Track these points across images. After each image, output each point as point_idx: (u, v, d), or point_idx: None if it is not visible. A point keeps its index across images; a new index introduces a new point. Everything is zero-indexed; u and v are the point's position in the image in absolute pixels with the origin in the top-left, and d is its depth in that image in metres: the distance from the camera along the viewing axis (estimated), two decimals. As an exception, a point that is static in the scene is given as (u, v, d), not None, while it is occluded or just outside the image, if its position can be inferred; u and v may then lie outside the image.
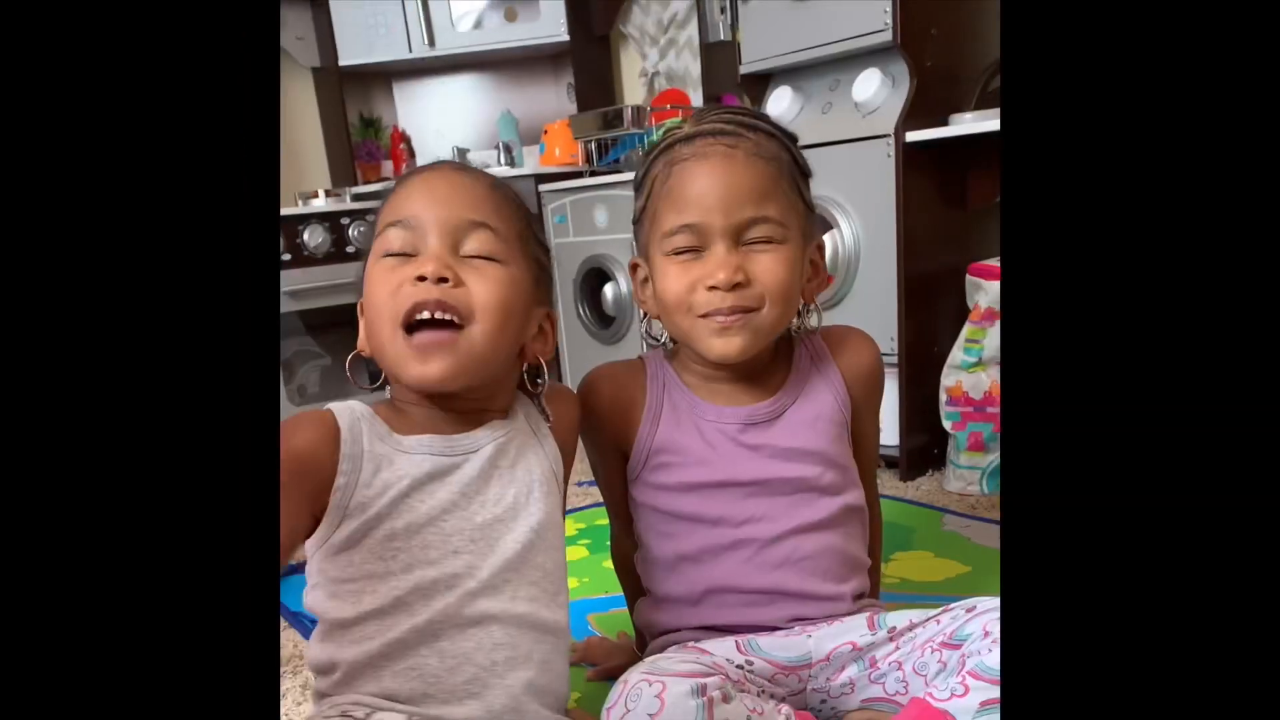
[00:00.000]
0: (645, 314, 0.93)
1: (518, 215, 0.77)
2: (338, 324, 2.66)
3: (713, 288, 0.81)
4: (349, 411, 0.73)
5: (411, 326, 0.71)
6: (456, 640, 0.72)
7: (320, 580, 0.73)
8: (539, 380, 0.82)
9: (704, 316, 0.83)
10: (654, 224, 0.84)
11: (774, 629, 0.90)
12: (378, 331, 0.73)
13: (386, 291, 0.71)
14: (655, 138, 0.91)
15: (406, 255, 0.72)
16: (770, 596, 0.89)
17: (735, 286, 0.81)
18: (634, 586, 1.02)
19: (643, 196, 0.86)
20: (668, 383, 0.92)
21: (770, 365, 0.93)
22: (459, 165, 0.78)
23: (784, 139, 0.86)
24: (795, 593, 0.89)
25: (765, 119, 0.86)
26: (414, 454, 0.74)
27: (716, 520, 0.89)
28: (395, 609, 0.71)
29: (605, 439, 0.94)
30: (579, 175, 2.57)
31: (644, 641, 1.00)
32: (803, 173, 0.86)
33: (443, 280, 0.71)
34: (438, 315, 0.71)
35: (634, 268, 0.92)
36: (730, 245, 0.81)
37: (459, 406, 0.77)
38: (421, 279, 0.70)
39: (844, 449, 0.93)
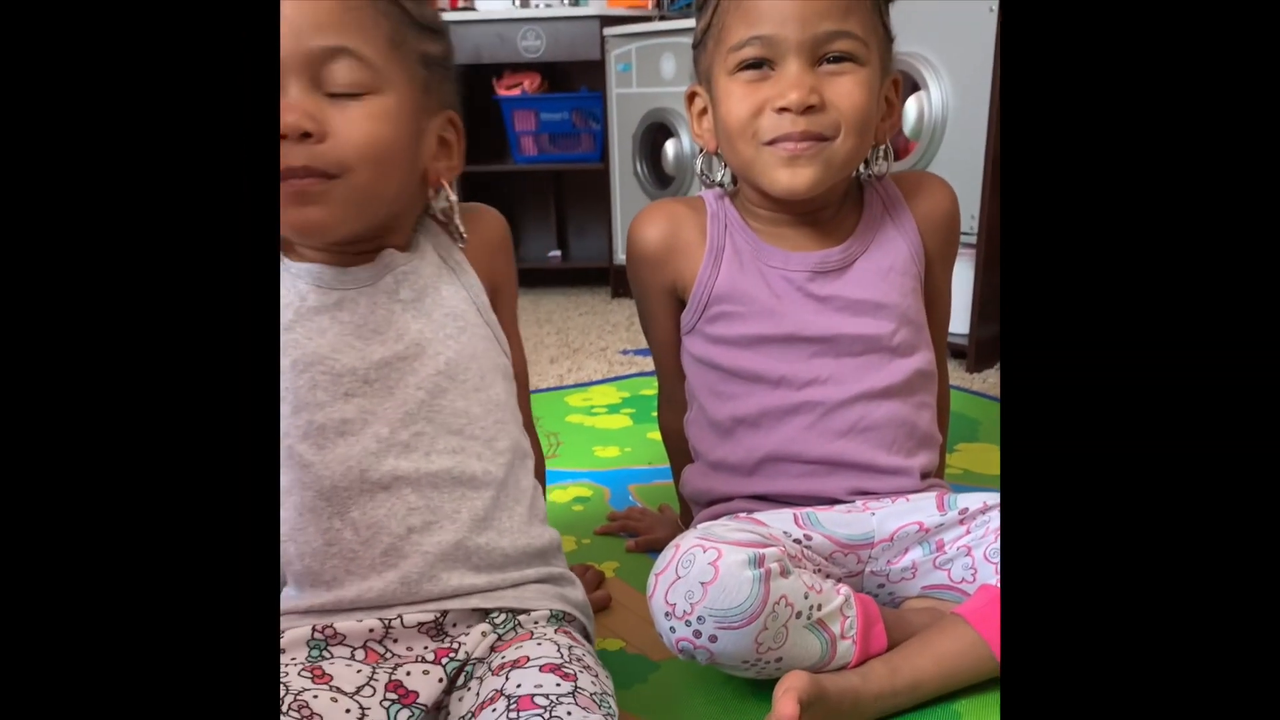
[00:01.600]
0: (702, 149, 0.84)
1: (383, 15, 0.63)
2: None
3: (783, 109, 0.74)
4: None
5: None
6: (366, 509, 0.65)
7: None
8: (446, 204, 0.70)
9: (771, 144, 0.75)
10: (718, 41, 0.77)
11: (834, 502, 0.83)
12: None
13: None
14: None
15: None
16: (832, 467, 0.83)
17: (808, 110, 0.74)
18: (682, 454, 0.95)
19: (706, 13, 0.78)
20: (730, 223, 0.84)
21: (840, 209, 0.85)
22: None
23: None
24: (859, 464, 0.82)
25: None
26: (299, 280, 0.66)
27: (779, 380, 0.82)
28: (290, 461, 0.64)
29: (658, 282, 0.86)
30: (647, 19, 2.39)
31: (690, 515, 0.93)
32: None
33: (306, 136, 0.59)
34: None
35: (691, 97, 0.83)
36: (805, 64, 0.74)
37: (350, 248, 0.67)
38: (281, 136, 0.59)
39: (917, 304, 0.85)
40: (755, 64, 0.75)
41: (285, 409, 0.64)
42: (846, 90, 0.75)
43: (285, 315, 0.65)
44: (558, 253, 2.84)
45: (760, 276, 0.82)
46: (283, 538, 0.65)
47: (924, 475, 0.85)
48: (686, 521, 0.97)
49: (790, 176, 0.76)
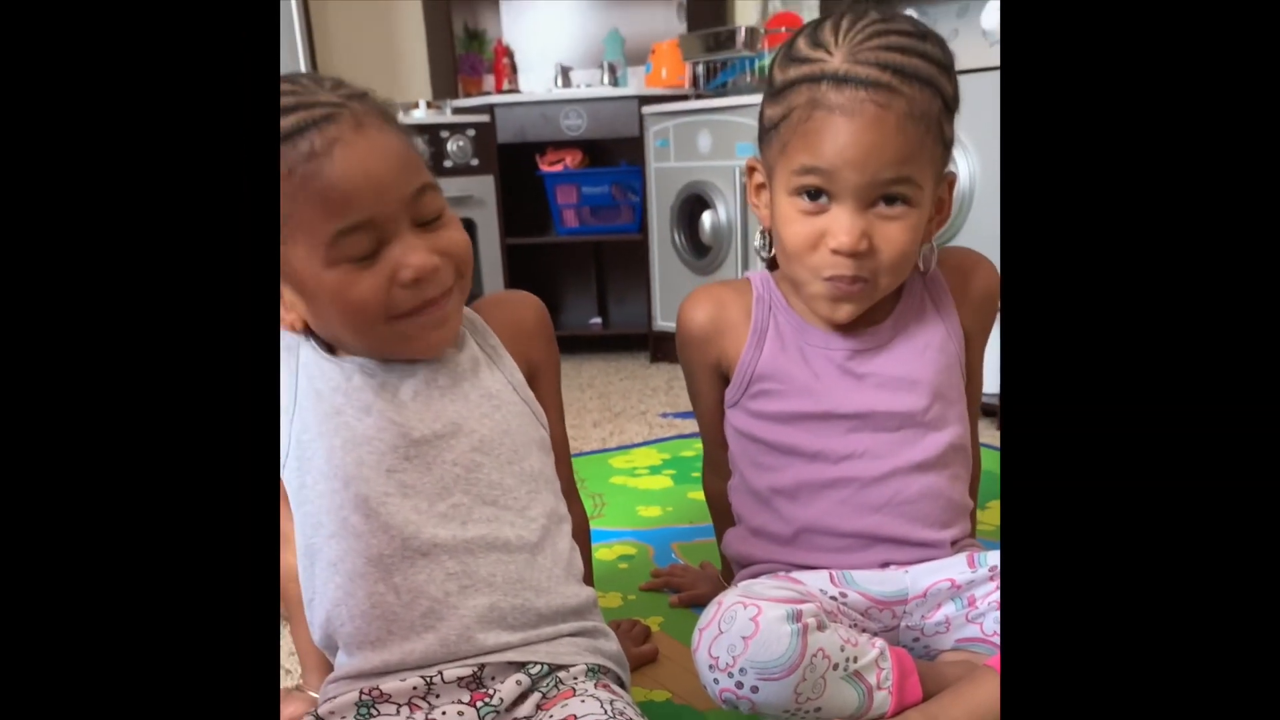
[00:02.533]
0: (760, 220, 0.88)
1: (421, 159, 0.73)
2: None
3: (835, 251, 0.78)
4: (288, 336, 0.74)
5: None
6: (408, 574, 0.70)
7: (292, 503, 0.74)
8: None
9: (826, 280, 0.80)
10: (783, 152, 0.79)
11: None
12: (350, 326, 0.70)
13: (369, 296, 0.67)
14: (769, 61, 0.83)
15: (369, 254, 0.67)
16: (866, 541, 0.86)
17: (856, 254, 0.77)
18: (724, 517, 0.99)
19: (777, 110, 0.79)
20: (774, 305, 0.88)
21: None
22: (366, 119, 0.67)
23: (941, 76, 0.77)
24: (893, 538, 0.85)
25: (928, 55, 0.76)
26: (350, 369, 0.73)
27: (815, 454, 0.85)
28: (344, 531, 0.70)
29: (704, 360, 0.90)
30: (684, 98, 2.50)
31: (731, 571, 0.97)
32: (949, 110, 0.79)
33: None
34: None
35: (752, 169, 0.87)
36: (859, 207, 0.77)
37: None
38: (415, 281, 0.68)
39: (951, 379, 0.88)
40: (813, 192, 0.78)
41: (337, 484, 0.70)
42: (893, 237, 0.77)
43: (335, 399, 0.71)
44: (598, 320, 2.92)
45: (801, 355, 0.86)
46: (334, 602, 0.71)
47: (955, 544, 0.87)
48: (728, 577, 1.00)
49: (832, 310, 0.82)
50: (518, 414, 0.76)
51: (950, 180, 0.84)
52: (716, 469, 0.98)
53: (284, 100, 0.64)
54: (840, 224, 0.77)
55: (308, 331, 0.73)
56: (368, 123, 0.66)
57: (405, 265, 0.67)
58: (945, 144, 0.79)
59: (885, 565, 0.86)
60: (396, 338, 0.70)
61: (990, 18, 1.64)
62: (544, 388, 0.81)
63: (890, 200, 0.77)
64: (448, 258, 0.69)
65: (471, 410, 0.74)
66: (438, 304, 0.70)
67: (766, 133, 0.82)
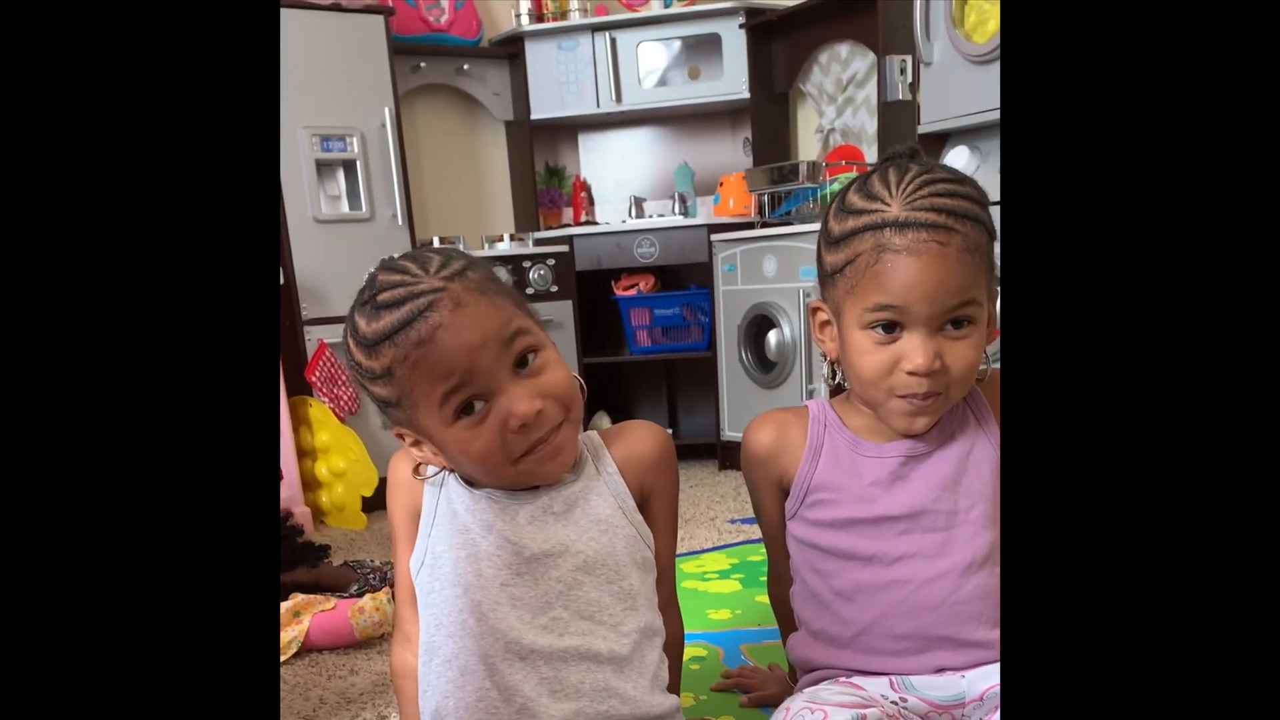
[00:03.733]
0: (825, 355, 0.97)
1: (511, 291, 0.81)
2: (513, 357, 2.83)
3: (911, 373, 0.84)
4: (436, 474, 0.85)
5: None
6: (507, 674, 0.78)
7: (420, 604, 0.85)
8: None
9: (901, 397, 0.87)
10: (852, 293, 0.86)
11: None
12: (480, 472, 0.80)
13: (489, 446, 0.77)
14: (833, 190, 0.92)
15: (475, 408, 0.76)
16: (921, 642, 0.90)
17: (931, 373, 0.84)
18: (789, 623, 1.04)
19: (839, 256, 0.86)
20: (829, 424, 0.96)
21: None
22: (465, 296, 0.75)
23: (983, 212, 0.86)
24: (948, 637, 0.89)
25: (971, 197, 0.85)
26: (476, 491, 0.83)
27: (870, 558, 0.90)
28: (461, 631, 0.79)
29: (766, 477, 0.98)
30: (750, 226, 2.65)
31: (797, 675, 1.02)
32: (992, 238, 0.87)
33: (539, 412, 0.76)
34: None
35: (815, 310, 0.94)
36: (930, 332, 0.84)
37: None
38: (521, 427, 0.76)
39: (997, 488, 0.93)
40: (887, 326, 0.85)
41: (459, 590, 0.80)
42: (962, 353, 0.84)
43: (465, 518, 0.82)
44: (669, 431, 3.03)
45: (855, 467, 0.92)
46: (445, 694, 0.80)
47: None
48: (794, 679, 1.05)
49: (910, 424, 0.88)
50: (624, 537, 0.84)
51: (994, 296, 0.91)
52: (779, 578, 1.04)
53: (395, 291, 0.74)
54: (914, 348, 0.84)
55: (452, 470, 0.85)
56: (465, 300, 0.74)
57: (512, 415, 0.75)
58: (992, 268, 0.88)
59: (941, 671, 0.90)
60: (522, 477, 0.80)
61: (953, 163, 1.76)
62: (657, 510, 0.90)
63: (957, 323, 0.84)
64: (551, 398, 0.77)
65: (580, 534, 0.82)
66: (548, 441, 0.78)
67: (830, 277, 0.90)
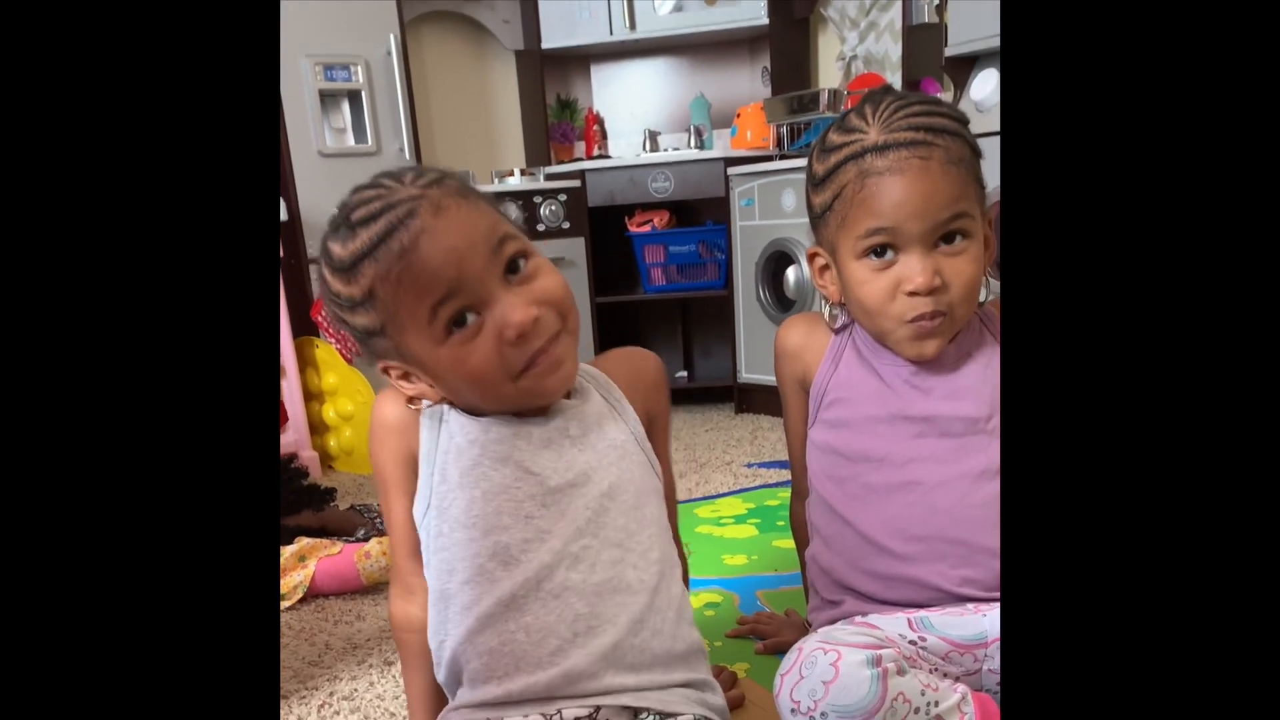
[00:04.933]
0: (826, 299, 0.96)
1: (493, 200, 0.77)
2: (525, 296, 2.78)
3: (913, 293, 0.84)
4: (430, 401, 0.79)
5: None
6: (539, 614, 0.74)
7: (426, 550, 0.79)
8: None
9: (909, 323, 0.86)
10: (844, 225, 0.86)
11: (945, 598, 0.88)
12: (479, 393, 0.75)
13: (485, 362, 0.72)
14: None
15: (467, 320, 0.72)
16: (936, 546, 0.88)
17: (932, 291, 0.84)
18: (806, 539, 1.03)
19: (827, 194, 0.88)
20: (854, 331, 0.96)
21: None
22: (444, 201, 0.71)
23: (964, 130, 0.86)
24: (962, 542, 0.87)
25: (949, 114, 0.86)
26: (487, 424, 0.77)
27: (883, 459, 0.90)
28: (481, 578, 0.75)
29: (792, 372, 0.99)
30: (768, 159, 2.56)
31: (815, 601, 1.00)
32: (977, 156, 0.88)
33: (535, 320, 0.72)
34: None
35: (813, 256, 0.95)
36: (925, 250, 0.84)
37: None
38: (519, 337, 0.71)
39: None
40: (880, 250, 0.85)
41: (476, 533, 0.75)
42: (961, 268, 0.85)
43: (473, 452, 0.77)
44: (684, 373, 2.98)
45: (873, 370, 0.93)
46: (462, 642, 0.76)
47: None
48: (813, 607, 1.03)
49: (919, 349, 0.88)
50: (639, 463, 0.81)
51: (991, 216, 0.90)
52: (799, 493, 1.03)
53: (371, 206, 0.70)
54: (912, 269, 0.84)
55: (450, 403, 0.79)
56: (446, 204, 0.70)
57: (508, 324, 0.70)
58: (981, 185, 0.88)
59: (962, 584, 0.87)
60: (524, 395, 0.75)
61: (979, 88, 1.67)
62: (658, 438, 0.86)
63: (949, 238, 0.84)
64: (546, 305, 0.73)
65: (600, 460, 0.78)
66: (548, 351, 0.73)
67: (820, 217, 0.90)
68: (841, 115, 0.88)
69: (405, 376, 0.77)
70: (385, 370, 0.77)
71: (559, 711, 0.74)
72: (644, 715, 0.75)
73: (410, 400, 0.79)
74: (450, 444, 0.78)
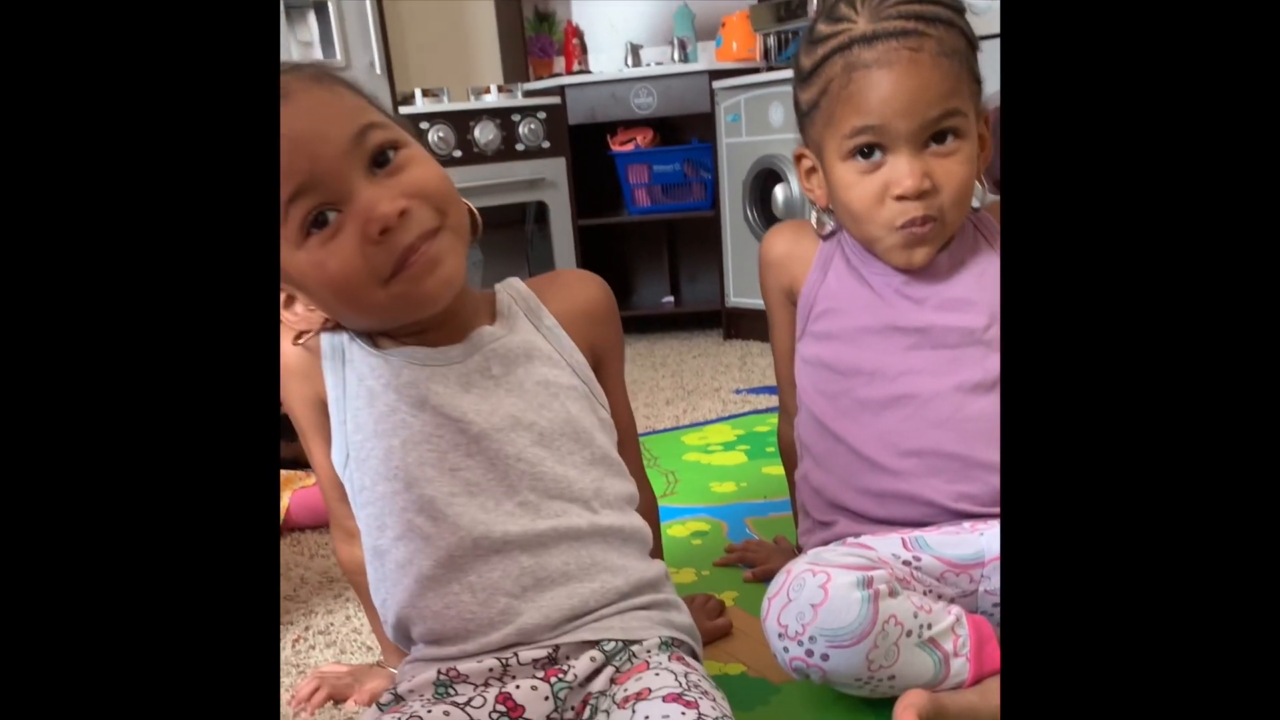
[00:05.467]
0: (814, 203, 0.92)
1: (361, 88, 0.69)
2: (505, 224, 2.69)
3: (901, 197, 0.80)
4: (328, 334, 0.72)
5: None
6: (482, 573, 0.69)
7: (353, 503, 0.73)
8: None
9: (899, 230, 0.82)
10: (830, 123, 0.82)
11: (942, 513, 0.85)
12: (349, 305, 0.67)
13: (347, 264, 0.64)
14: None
15: (328, 218, 0.64)
16: (931, 462, 0.85)
17: (922, 194, 0.80)
18: (795, 460, 0.99)
19: (813, 90, 0.83)
20: (842, 239, 0.91)
21: None
22: (293, 87, 0.64)
23: (959, 19, 0.81)
24: (958, 456, 0.84)
25: (941, 1, 0.80)
26: (397, 361, 0.70)
27: (874, 372, 0.86)
28: (410, 534, 0.69)
29: (777, 284, 0.94)
30: (755, 71, 2.47)
31: (805, 524, 0.96)
32: (973, 47, 0.82)
33: (401, 214, 0.64)
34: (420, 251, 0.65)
35: (799, 158, 0.90)
36: (914, 150, 0.80)
37: (445, 327, 0.72)
38: (383, 233, 0.63)
39: None
40: (867, 150, 0.81)
41: (399, 485, 0.69)
42: (953, 170, 0.80)
43: (388, 396, 0.70)
44: (670, 299, 2.92)
45: (863, 280, 0.89)
46: (405, 605, 0.71)
47: None
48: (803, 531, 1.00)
49: (908, 256, 0.84)
50: (577, 398, 0.74)
51: (987, 115, 0.85)
52: (787, 412, 0.99)
53: None
54: (900, 170, 0.80)
55: (341, 329, 0.72)
56: (294, 89, 0.64)
57: (370, 219, 0.63)
58: (976, 79, 0.83)
59: (958, 499, 0.83)
60: (398, 302, 0.66)
61: None
62: (610, 371, 0.79)
63: (940, 137, 0.80)
64: (418, 198, 0.65)
65: (529, 402, 0.72)
66: (419, 250, 0.65)
67: (807, 115, 0.85)
68: (829, 7, 0.82)
69: (289, 303, 0.69)
70: None
71: (515, 654, 0.69)
72: (605, 644, 0.70)
73: (297, 337, 0.71)
74: (360, 387, 0.71)
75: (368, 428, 0.70)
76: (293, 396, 0.74)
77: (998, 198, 0.92)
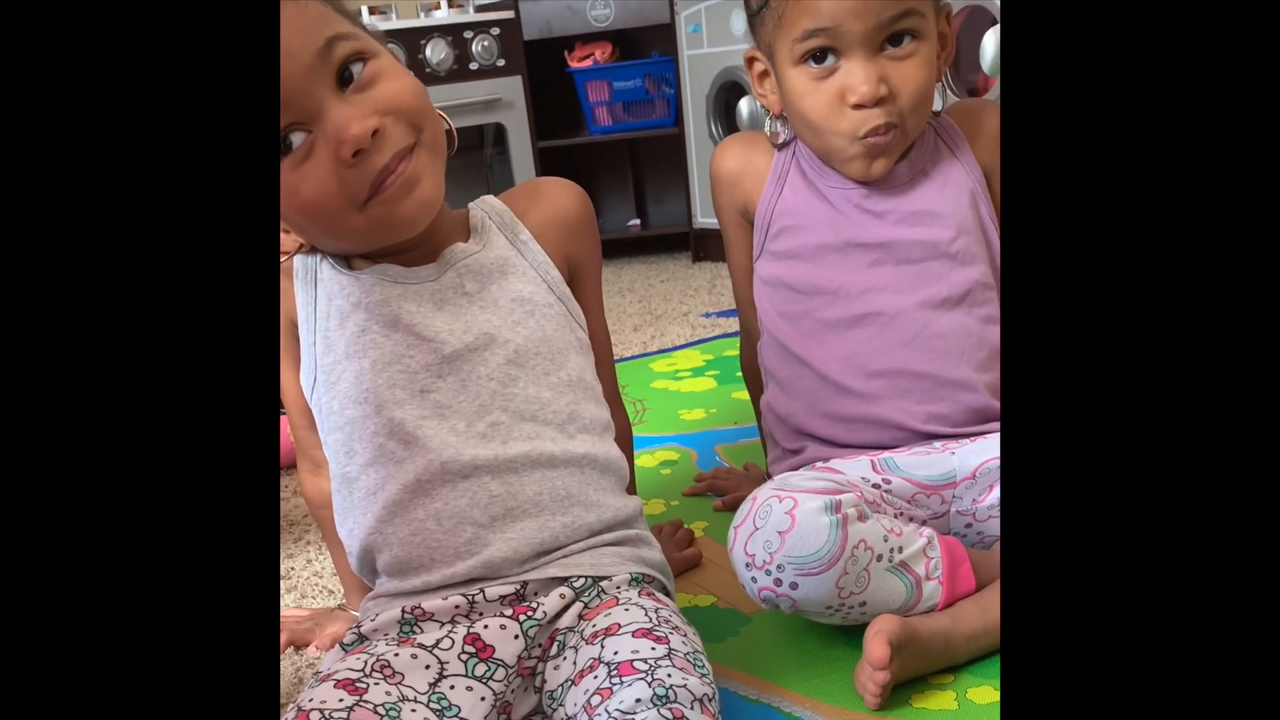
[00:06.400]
0: (768, 110, 0.87)
1: (333, 14, 0.64)
2: (463, 148, 2.60)
3: (858, 105, 0.77)
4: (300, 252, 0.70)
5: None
6: (449, 499, 0.66)
7: (321, 429, 0.71)
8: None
9: (858, 140, 0.79)
10: (780, 24, 0.78)
11: (913, 436, 0.83)
12: (325, 229, 0.65)
13: (321, 188, 0.62)
14: None
15: (294, 142, 0.61)
16: (900, 382, 0.82)
17: (879, 101, 0.77)
18: (759, 384, 0.97)
19: None
20: (798, 151, 0.87)
21: None
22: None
23: None
24: (926, 374, 0.82)
25: None
26: (369, 279, 0.68)
27: (837, 291, 0.84)
28: (381, 458, 0.67)
29: (731, 203, 0.91)
30: (717, -22, 2.35)
31: (773, 452, 0.93)
32: None
33: (374, 134, 0.61)
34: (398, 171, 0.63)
35: (750, 61, 0.86)
36: (869, 54, 0.77)
37: (417, 245, 0.70)
38: (356, 155, 0.61)
39: (976, 215, 0.85)
40: (820, 55, 0.77)
41: (369, 409, 0.67)
42: (910, 74, 0.77)
43: (358, 316, 0.67)
44: (636, 222, 2.85)
45: (821, 195, 0.85)
46: (371, 532, 0.68)
47: (995, 394, 0.84)
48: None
49: (868, 167, 0.81)
50: (553, 316, 0.72)
51: (948, 11, 0.82)
52: (749, 335, 0.96)
53: None
54: (855, 76, 0.76)
55: (315, 250, 0.70)
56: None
57: (341, 140, 0.60)
58: None
59: (929, 420, 0.82)
60: (375, 225, 0.65)
61: None
62: (586, 286, 0.77)
63: (897, 40, 0.77)
64: (391, 115, 0.62)
65: (503, 318, 0.69)
66: (397, 170, 0.63)
67: (757, 15, 0.81)
68: None
69: None
70: None
71: (481, 590, 0.67)
72: (574, 580, 0.68)
73: None
74: (330, 307, 0.68)
75: (339, 349, 0.68)
76: None
77: (959, 99, 0.90)
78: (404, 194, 0.63)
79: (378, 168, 0.62)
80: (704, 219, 2.52)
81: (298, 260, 0.70)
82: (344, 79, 0.62)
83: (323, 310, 0.69)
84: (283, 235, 0.67)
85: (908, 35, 0.77)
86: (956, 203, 0.84)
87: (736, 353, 1.64)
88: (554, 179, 0.78)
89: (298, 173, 0.61)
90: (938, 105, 0.85)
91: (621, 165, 2.88)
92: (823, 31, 0.76)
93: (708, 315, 2.01)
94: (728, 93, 2.31)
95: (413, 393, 0.67)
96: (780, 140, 0.88)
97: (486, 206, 0.75)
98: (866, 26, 0.75)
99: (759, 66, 0.86)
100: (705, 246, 2.55)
